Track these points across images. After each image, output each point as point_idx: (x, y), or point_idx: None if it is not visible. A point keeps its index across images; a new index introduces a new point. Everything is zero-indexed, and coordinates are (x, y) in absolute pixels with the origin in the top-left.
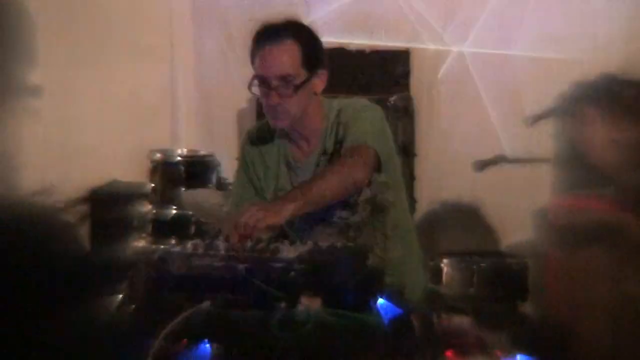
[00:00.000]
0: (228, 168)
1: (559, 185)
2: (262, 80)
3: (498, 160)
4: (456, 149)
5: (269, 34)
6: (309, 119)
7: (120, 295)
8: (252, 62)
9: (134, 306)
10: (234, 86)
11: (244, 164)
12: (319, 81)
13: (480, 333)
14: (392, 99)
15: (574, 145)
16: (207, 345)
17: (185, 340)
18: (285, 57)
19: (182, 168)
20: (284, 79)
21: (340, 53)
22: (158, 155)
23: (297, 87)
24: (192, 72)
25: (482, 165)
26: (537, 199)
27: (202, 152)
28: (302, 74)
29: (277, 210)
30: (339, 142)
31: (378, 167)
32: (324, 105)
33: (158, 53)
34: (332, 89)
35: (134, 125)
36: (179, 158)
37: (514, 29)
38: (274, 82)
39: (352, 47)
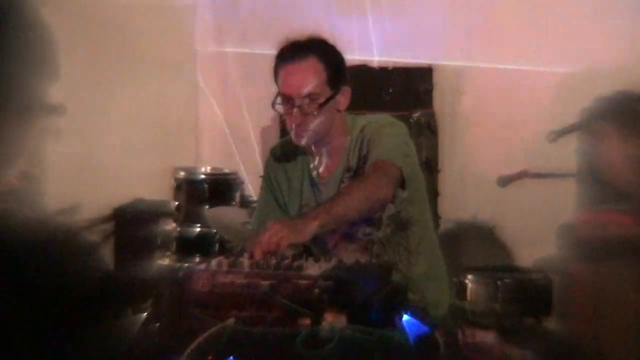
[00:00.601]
0: (251, 186)
1: (582, 200)
2: (286, 98)
3: (521, 175)
4: (479, 164)
5: (293, 51)
6: (332, 136)
7: (145, 314)
8: (275, 79)
9: (158, 324)
10: (258, 104)
11: (268, 181)
12: (343, 98)
13: (505, 348)
14: (415, 115)
15: (592, 161)
16: None
17: (210, 357)
18: (309, 75)
19: (206, 186)
20: (308, 97)
21: (363, 70)
22: (182, 174)
23: (321, 105)
24: (216, 90)
25: (506, 181)
26: (561, 214)
27: (226, 170)
28: (326, 92)
29: (301, 227)
30: (362, 159)
31: (402, 184)
32: (348, 121)
33: (182, 71)
34: (355, 105)
35: (158, 144)
36: (202, 176)
37: (537, 45)
38: (298, 100)
39: (375, 64)
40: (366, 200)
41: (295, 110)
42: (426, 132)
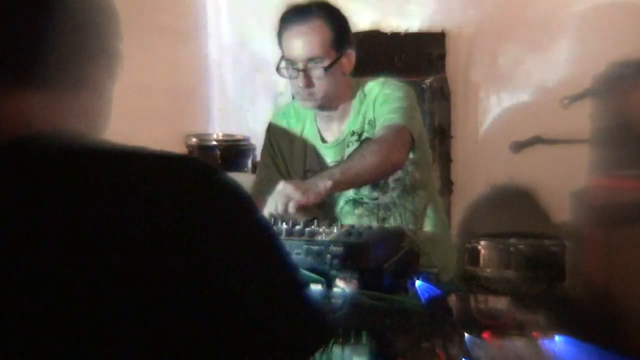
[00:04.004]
0: None
1: (595, 166)
2: (290, 61)
3: (535, 141)
4: (493, 130)
5: (296, 15)
6: (338, 99)
7: None
8: (279, 43)
9: None
10: (270, 69)
11: (269, 147)
12: (348, 61)
13: (518, 314)
14: (428, 80)
15: (617, 121)
16: None
17: None
18: (314, 38)
19: (218, 152)
20: (313, 60)
21: (375, 35)
22: (194, 140)
23: (327, 69)
24: (228, 55)
25: (519, 146)
26: (575, 180)
27: (238, 137)
28: (331, 54)
29: (314, 188)
30: (368, 122)
31: (412, 147)
32: (353, 85)
33: (193, 36)
34: (367, 70)
35: (169, 110)
36: (214, 142)
37: (551, 10)
38: (303, 64)
39: (388, 30)
40: (381, 164)
41: (300, 74)
42: (439, 98)
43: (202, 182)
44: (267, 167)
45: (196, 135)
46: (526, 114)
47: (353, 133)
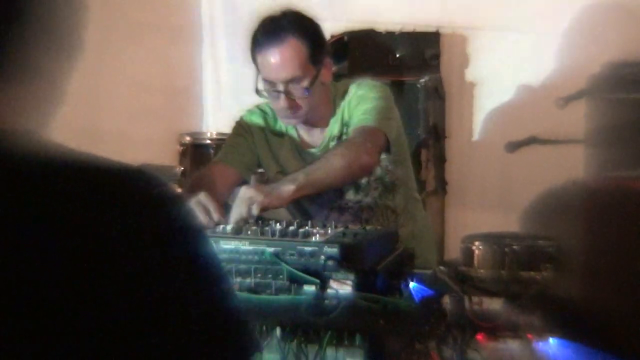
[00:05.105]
0: None
1: (591, 166)
2: (269, 82)
3: (530, 141)
4: (487, 130)
5: (269, 35)
6: (318, 107)
7: None
8: (254, 62)
9: None
10: None
11: (242, 135)
12: (327, 71)
13: (512, 316)
14: (423, 80)
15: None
16: None
17: None
18: (291, 60)
19: (212, 151)
20: (292, 81)
21: (369, 34)
22: (188, 138)
23: (308, 88)
24: (222, 53)
25: (514, 146)
26: (570, 180)
27: None
28: (310, 71)
29: (277, 192)
30: (345, 125)
31: (387, 148)
32: (331, 90)
33: (188, 34)
34: (361, 70)
35: (163, 108)
36: (208, 141)
37: (546, 10)
38: (283, 86)
39: (382, 29)
40: (348, 167)
41: (281, 95)
42: (434, 97)
43: (140, 193)
44: (237, 143)
45: (190, 134)
46: (521, 114)
47: (333, 138)
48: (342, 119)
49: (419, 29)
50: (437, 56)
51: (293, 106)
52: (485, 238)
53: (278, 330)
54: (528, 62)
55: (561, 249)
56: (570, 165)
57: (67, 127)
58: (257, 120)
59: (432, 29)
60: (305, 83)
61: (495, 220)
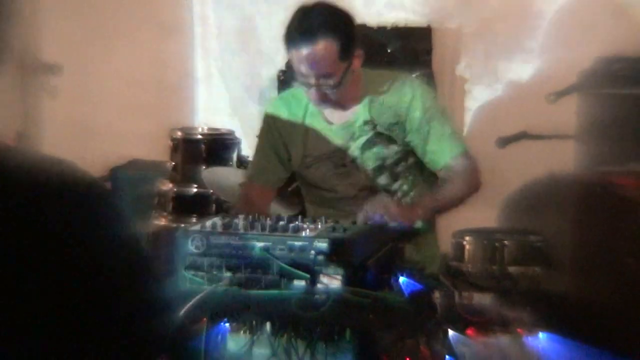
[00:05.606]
0: (249, 146)
1: (581, 161)
2: (301, 74)
3: (521, 136)
4: (479, 125)
5: (302, 31)
6: (347, 89)
7: None
8: (288, 52)
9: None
10: (255, 64)
11: (269, 131)
12: (358, 61)
13: (502, 311)
14: (414, 75)
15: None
16: (226, 324)
17: (204, 319)
18: (322, 58)
19: (203, 146)
20: (323, 77)
21: (361, 30)
22: (179, 133)
23: (338, 84)
24: (212, 49)
25: (505, 141)
26: (560, 175)
27: (223, 130)
28: (341, 67)
29: (410, 214)
30: (393, 118)
31: None
32: (362, 77)
33: (179, 30)
34: None
35: (154, 103)
36: (199, 136)
37: (537, 4)
38: (315, 81)
39: (374, 24)
40: (468, 195)
41: (312, 88)
42: None
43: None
44: (265, 156)
45: (181, 129)
46: (512, 110)
47: (366, 123)
48: (384, 109)
49: (411, 24)
50: (428, 51)
51: (324, 97)
52: (476, 233)
53: (268, 325)
54: (519, 58)
55: (551, 244)
56: (561, 161)
57: (59, 122)
58: (280, 111)
59: (424, 24)
60: (336, 78)
61: (486, 215)
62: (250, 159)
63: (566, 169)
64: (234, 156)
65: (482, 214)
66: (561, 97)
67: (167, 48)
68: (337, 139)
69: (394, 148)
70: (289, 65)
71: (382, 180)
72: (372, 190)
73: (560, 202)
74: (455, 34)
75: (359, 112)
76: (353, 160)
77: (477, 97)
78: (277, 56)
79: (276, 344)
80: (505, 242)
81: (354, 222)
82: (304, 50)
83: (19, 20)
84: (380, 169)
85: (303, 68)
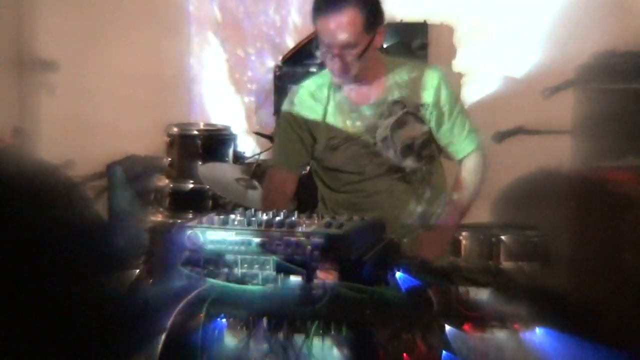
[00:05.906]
0: (244, 142)
1: (577, 156)
2: (325, 44)
3: (517, 131)
4: (475, 120)
5: (330, 3)
6: (370, 69)
7: (137, 270)
8: (314, 23)
9: (151, 280)
10: (251, 59)
11: (293, 120)
12: (380, 38)
13: (499, 306)
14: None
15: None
16: (223, 320)
17: (200, 315)
18: (347, 27)
19: (199, 142)
20: (347, 47)
21: None
22: (175, 129)
23: (360, 56)
24: (209, 45)
25: (501, 136)
26: (557, 170)
27: (219, 126)
28: (364, 39)
29: (445, 240)
30: (423, 101)
31: None
32: (385, 62)
33: (175, 26)
34: None
35: (151, 100)
36: (196, 132)
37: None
38: (338, 50)
39: None
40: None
41: (335, 58)
42: None
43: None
44: (290, 141)
45: (177, 125)
46: (508, 105)
47: (395, 102)
48: (413, 92)
49: (407, 19)
50: (424, 46)
51: (345, 68)
52: (473, 228)
53: (265, 321)
54: (515, 53)
55: (547, 239)
56: (558, 156)
57: (56, 118)
58: (304, 97)
59: (420, 20)
60: (359, 49)
61: (483, 210)
62: (246, 154)
63: (562, 164)
64: (230, 152)
65: (478, 209)
66: (557, 92)
67: (163, 45)
68: (367, 119)
69: (424, 128)
70: (284, 60)
71: (409, 161)
72: (398, 171)
73: (556, 197)
74: (451, 30)
75: (386, 92)
76: (384, 139)
77: (473, 92)
78: (273, 52)
79: (273, 340)
80: (502, 237)
81: (350, 217)
82: (330, 19)
83: (17, 18)
84: (409, 149)
85: (328, 37)
